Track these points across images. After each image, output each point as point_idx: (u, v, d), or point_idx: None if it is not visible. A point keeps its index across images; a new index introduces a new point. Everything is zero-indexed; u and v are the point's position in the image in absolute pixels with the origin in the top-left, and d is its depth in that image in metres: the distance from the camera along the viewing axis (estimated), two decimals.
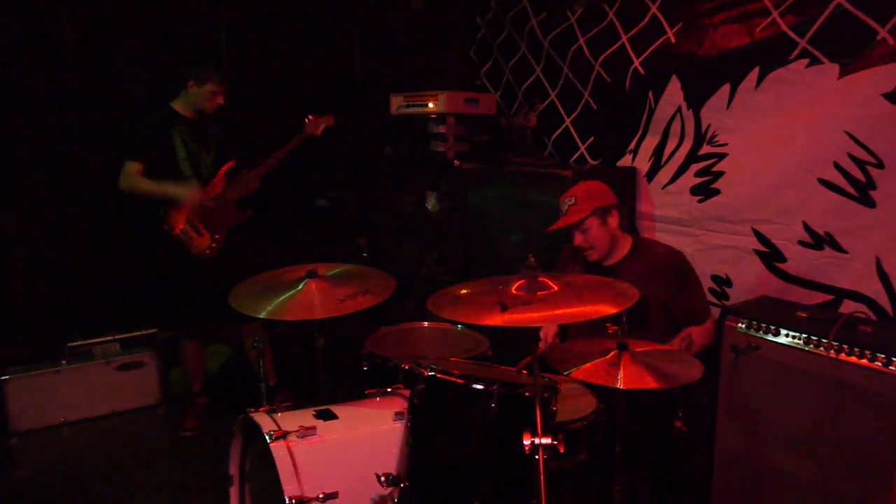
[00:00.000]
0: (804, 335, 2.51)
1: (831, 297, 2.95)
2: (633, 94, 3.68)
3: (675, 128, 3.50)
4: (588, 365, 2.10)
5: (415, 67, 5.08)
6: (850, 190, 2.83)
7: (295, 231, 4.70)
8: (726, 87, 3.23)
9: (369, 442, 2.24)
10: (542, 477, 1.67)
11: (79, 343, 4.17)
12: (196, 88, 3.74)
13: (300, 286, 2.61)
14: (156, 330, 4.36)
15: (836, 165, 2.86)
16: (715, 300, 3.35)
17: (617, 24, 3.72)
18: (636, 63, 3.63)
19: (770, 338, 2.61)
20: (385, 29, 5.23)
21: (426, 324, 3.16)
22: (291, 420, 2.21)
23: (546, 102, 4.23)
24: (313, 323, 2.71)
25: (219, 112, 3.86)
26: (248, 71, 4.77)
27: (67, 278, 4.37)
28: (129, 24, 4.40)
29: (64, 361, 4.08)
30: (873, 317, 2.78)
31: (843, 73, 2.82)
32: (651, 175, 3.65)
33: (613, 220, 2.83)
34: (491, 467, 1.89)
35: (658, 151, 3.61)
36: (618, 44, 3.72)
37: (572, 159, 4.11)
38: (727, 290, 3.34)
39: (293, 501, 1.99)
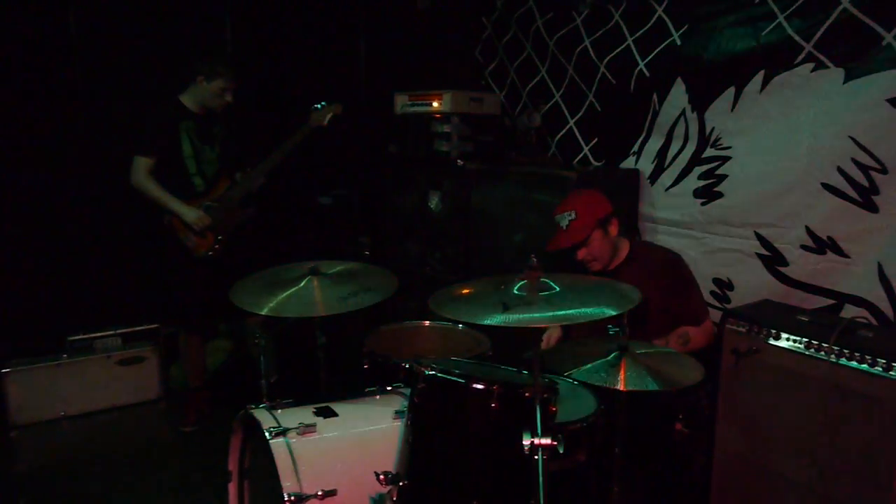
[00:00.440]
0: (805, 339, 2.50)
1: (833, 301, 2.95)
2: (637, 95, 3.67)
3: (680, 130, 3.50)
4: (588, 366, 2.10)
5: (419, 66, 5.08)
6: (854, 195, 2.83)
7: (298, 228, 4.70)
8: (731, 91, 3.23)
9: (369, 440, 2.25)
10: (541, 477, 1.67)
11: (79, 337, 4.19)
12: (206, 84, 3.72)
13: (302, 283, 2.62)
14: (157, 325, 4.37)
15: (840, 170, 2.85)
16: (716, 303, 3.35)
17: (622, 25, 3.72)
18: (641, 65, 3.63)
19: (771, 341, 2.60)
20: (390, 28, 5.23)
21: (427, 323, 3.17)
22: (291, 417, 2.22)
23: (550, 103, 4.22)
24: (315, 320, 2.72)
25: (225, 109, 3.85)
26: (252, 67, 4.79)
27: (69, 272, 4.38)
28: (134, 16, 4.41)
29: (65, 355, 4.10)
30: (874, 322, 2.77)
31: (848, 78, 2.81)
32: (654, 177, 3.65)
33: (614, 229, 2.84)
34: (490, 467, 1.90)
35: (662, 154, 3.60)
36: (623, 45, 3.72)
37: (576, 160, 4.10)
38: (728, 293, 3.33)
39: (292, 498, 2.00)
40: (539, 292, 1.87)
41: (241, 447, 2.46)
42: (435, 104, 4.17)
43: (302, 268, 2.70)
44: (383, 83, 4.97)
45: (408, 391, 2.27)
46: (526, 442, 1.70)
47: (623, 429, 2.19)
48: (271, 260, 2.98)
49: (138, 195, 3.72)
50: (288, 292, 2.58)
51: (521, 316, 1.76)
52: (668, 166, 3.57)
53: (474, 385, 1.90)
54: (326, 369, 2.91)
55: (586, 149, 4.05)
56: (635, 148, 3.74)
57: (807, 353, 2.49)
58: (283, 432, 2.12)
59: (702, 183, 3.41)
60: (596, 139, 4.00)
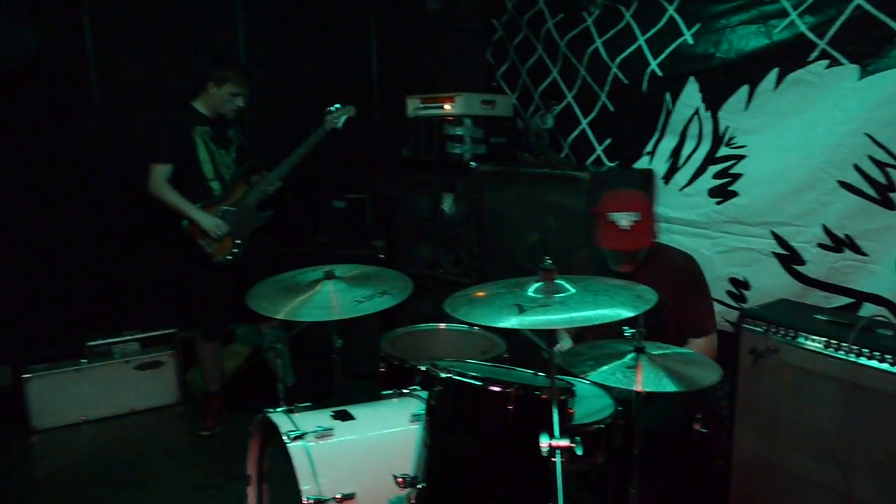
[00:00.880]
0: (823, 339, 2.48)
1: (851, 300, 2.93)
2: (650, 95, 3.66)
3: (693, 129, 3.48)
4: (606, 367, 2.09)
5: (431, 69, 5.09)
6: (871, 192, 2.81)
7: (312, 233, 4.72)
8: (745, 89, 3.21)
9: (386, 443, 2.25)
10: (559, 479, 1.67)
11: (99, 342, 4.22)
12: (215, 89, 3.75)
13: (318, 287, 2.63)
14: (175, 330, 4.40)
15: (857, 167, 2.83)
16: (732, 303, 3.33)
17: (634, 25, 3.71)
18: (653, 65, 3.62)
19: (788, 341, 2.59)
20: (401, 31, 5.25)
21: (443, 325, 3.17)
22: (309, 420, 2.22)
23: (563, 104, 4.21)
24: (331, 324, 2.73)
25: (237, 114, 3.88)
26: (265, 72, 4.82)
27: (88, 278, 4.42)
28: (148, 22, 4.45)
29: (84, 360, 4.14)
30: (894, 321, 2.75)
31: (863, 75, 2.79)
32: (668, 177, 3.64)
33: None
34: (508, 469, 1.90)
35: (675, 153, 3.59)
36: (635, 45, 3.71)
37: (589, 161, 4.10)
38: (745, 292, 3.32)
39: (311, 501, 2.00)
40: (554, 294, 1.87)
41: (260, 451, 2.48)
42: (447, 107, 4.18)
43: (317, 272, 2.71)
44: (395, 86, 4.99)
45: (424, 394, 2.29)
46: (543, 444, 1.70)
47: (641, 430, 2.18)
48: (287, 264, 3.00)
49: (156, 202, 3.75)
50: (304, 296, 2.59)
51: (536, 318, 1.77)
52: (682, 166, 3.56)
53: (491, 387, 1.90)
54: (343, 373, 2.92)
55: (599, 149, 4.04)
56: (649, 148, 3.73)
57: (825, 352, 2.47)
58: (301, 436, 2.13)
59: (716, 182, 3.39)
60: (609, 140, 3.99)
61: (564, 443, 1.70)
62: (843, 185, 2.88)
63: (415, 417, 2.27)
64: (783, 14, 3.02)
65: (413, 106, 4.39)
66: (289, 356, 4.20)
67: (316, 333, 4.09)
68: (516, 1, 4.46)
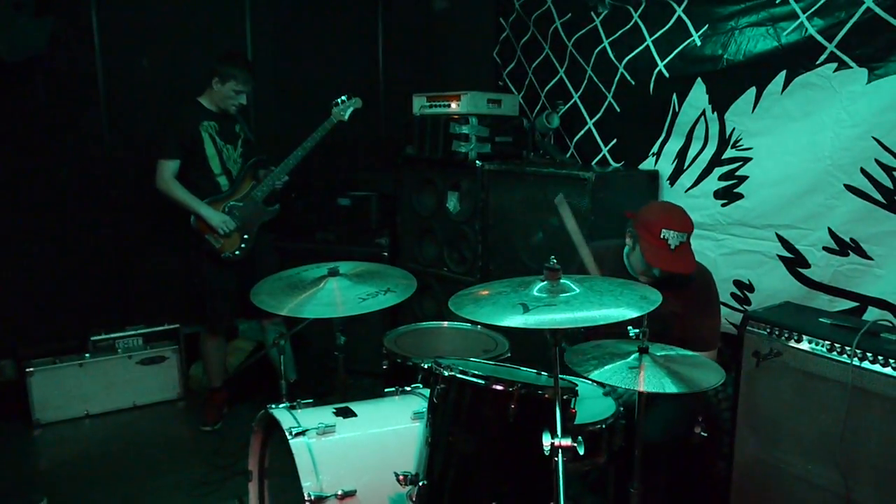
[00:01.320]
0: (827, 342, 2.48)
1: (855, 304, 2.92)
2: (656, 96, 3.66)
3: (700, 131, 3.48)
4: (608, 367, 2.09)
5: (437, 67, 5.09)
6: (877, 196, 2.80)
7: (317, 230, 4.73)
8: (752, 91, 3.21)
9: (388, 440, 2.25)
10: (560, 479, 1.67)
11: (102, 337, 4.23)
12: (219, 86, 3.76)
13: (322, 284, 2.62)
14: (178, 325, 4.41)
15: (863, 171, 2.82)
16: (737, 305, 3.33)
17: (642, 26, 3.71)
18: (661, 65, 3.61)
19: (792, 344, 2.58)
20: (408, 29, 5.24)
21: (446, 324, 3.17)
22: (311, 417, 2.22)
23: (569, 104, 4.22)
24: (334, 321, 2.73)
25: (239, 111, 3.88)
26: (272, 68, 4.82)
27: (91, 273, 4.43)
28: (155, 17, 4.45)
29: (87, 355, 4.14)
30: None
31: (871, 78, 2.79)
32: (674, 178, 3.63)
33: None
34: (509, 468, 1.90)
35: (681, 155, 3.58)
36: (642, 46, 3.70)
37: (595, 161, 4.09)
38: (749, 295, 3.31)
39: (312, 498, 2.01)
40: (559, 294, 1.87)
41: (262, 447, 2.48)
42: (453, 105, 4.18)
43: (321, 269, 2.71)
44: (401, 84, 4.98)
45: (427, 392, 2.28)
46: (546, 443, 1.70)
47: (642, 431, 2.18)
48: (291, 261, 3.00)
49: (163, 198, 3.75)
50: (307, 293, 2.59)
51: (541, 317, 1.76)
52: (688, 167, 3.56)
53: (494, 386, 1.90)
54: (345, 370, 2.92)
55: (605, 150, 4.03)
56: (654, 149, 3.72)
57: (829, 356, 2.47)
58: (303, 432, 2.13)
59: (722, 184, 3.39)
60: (615, 140, 3.99)
61: (567, 442, 1.69)
62: (850, 188, 2.87)
63: (417, 415, 2.27)
64: (792, 16, 3.01)
65: (419, 104, 4.39)
66: (291, 352, 4.21)
67: (319, 330, 4.08)
68: (524, 0, 4.46)
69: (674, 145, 3.62)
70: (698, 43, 3.43)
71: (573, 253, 2.80)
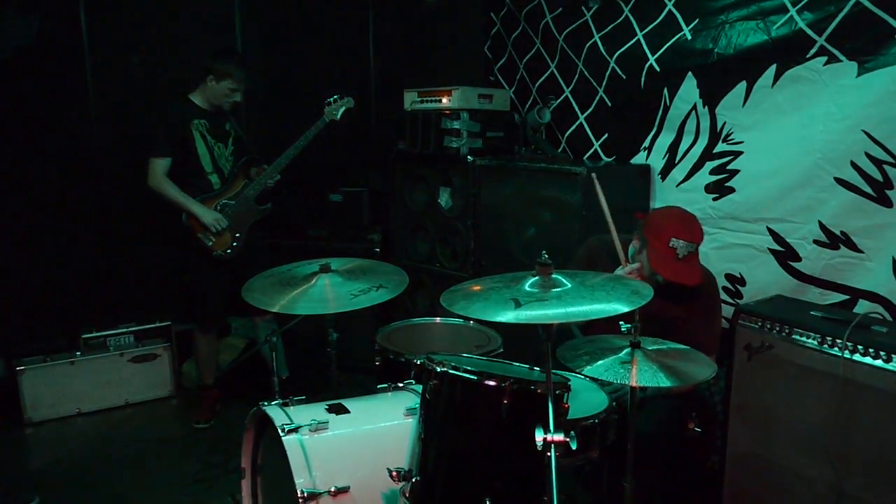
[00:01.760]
0: (818, 335, 2.48)
1: (846, 296, 2.93)
2: (648, 90, 3.66)
3: (691, 125, 3.48)
4: (601, 362, 2.09)
5: (428, 63, 5.08)
6: (867, 189, 2.81)
7: (308, 226, 4.71)
8: (742, 85, 3.21)
9: (381, 437, 2.25)
10: (553, 473, 1.67)
11: (93, 335, 4.21)
12: (215, 83, 3.74)
13: (313, 281, 2.62)
14: (170, 322, 4.40)
15: (853, 164, 2.83)
16: (728, 299, 3.34)
17: (632, 20, 3.70)
18: (651, 60, 3.61)
19: (783, 337, 2.59)
20: (399, 24, 5.23)
21: (438, 320, 3.17)
22: (304, 414, 2.22)
23: (560, 99, 4.21)
24: (326, 317, 2.72)
25: (235, 107, 3.87)
26: (263, 64, 4.80)
27: (83, 271, 4.41)
28: (144, 14, 4.43)
29: (78, 353, 4.13)
30: (889, 317, 2.75)
31: (861, 72, 2.79)
32: (665, 173, 3.63)
33: None
34: (502, 463, 1.90)
35: (673, 149, 3.59)
36: (633, 40, 3.70)
37: (586, 156, 4.09)
38: (741, 288, 3.32)
39: (305, 494, 2.00)
40: (551, 289, 1.87)
41: (254, 444, 2.47)
42: (444, 101, 4.18)
43: (313, 265, 2.71)
44: (392, 80, 4.97)
45: (419, 388, 2.28)
46: (538, 438, 1.70)
47: (635, 425, 2.18)
48: (283, 258, 2.99)
49: (155, 196, 3.73)
50: (299, 290, 2.58)
51: (533, 313, 1.76)
52: (680, 161, 3.56)
53: (486, 381, 1.90)
54: (338, 366, 2.91)
55: (596, 144, 4.03)
56: (646, 143, 3.73)
57: (820, 348, 2.47)
58: (295, 429, 2.13)
59: (713, 178, 3.39)
60: (606, 135, 3.99)
61: (559, 437, 1.69)
62: (840, 181, 2.88)
63: (409, 411, 2.27)
64: (782, 10, 3.01)
65: (410, 99, 4.38)
66: (283, 349, 4.20)
67: (311, 327, 4.07)
68: None
69: (665, 139, 3.62)
70: (689, 37, 3.43)
71: (603, 232, 2.77)
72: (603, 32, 3.88)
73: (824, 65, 2.90)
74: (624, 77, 3.79)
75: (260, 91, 4.69)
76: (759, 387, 2.69)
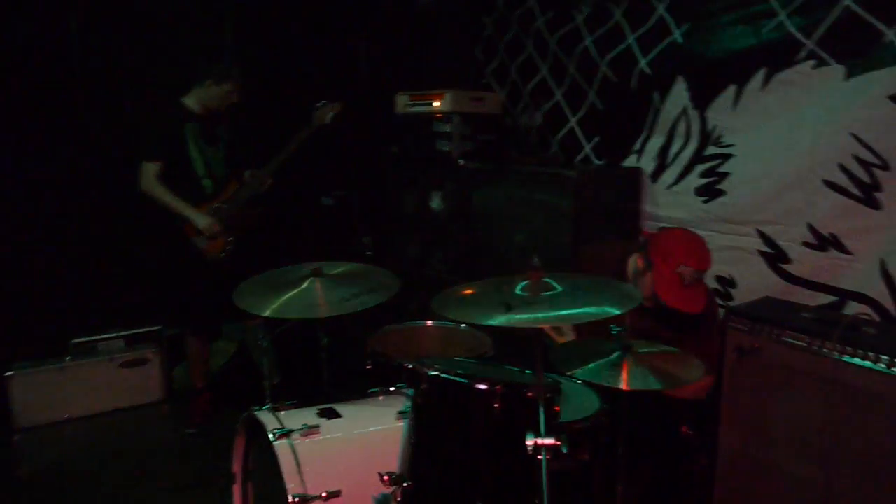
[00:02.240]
0: (808, 336, 2.50)
1: (835, 298, 2.95)
2: (638, 94, 3.67)
3: (681, 128, 3.49)
4: (592, 365, 2.10)
5: (420, 66, 5.08)
6: (856, 192, 2.83)
7: (300, 230, 4.70)
8: (733, 88, 3.23)
9: (372, 441, 2.25)
10: (544, 477, 1.67)
11: (83, 340, 4.18)
12: (215, 87, 3.73)
13: (304, 285, 2.61)
14: (160, 327, 4.37)
15: (842, 167, 2.85)
16: (719, 301, 3.34)
17: (624, 24, 3.72)
18: (642, 63, 3.62)
19: (773, 339, 2.60)
20: (391, 27, 5.23)
21: (430, 323, 3.16)
22: (295, 418, 2.22)
23: (552, 102, 4.22)
24: (317, 321, 2.72)
25: (228, 110, 3.86)
26: (254, 68, 4.78)
27: (72, 275, 4.38)
28: (135, 18, 4.41)
29: (68, 358, 4.10)
30: (877, 318, 2.77)
31: (849, 75, 2.81)
32: (656, 175, 3.65)
33: None
34: (494, 467, 1.90)
35: (663, 152, 3.60)
36: (624, 44, 3.72)
37: (577, 159, 4.10)
38: (731, 290, 3.33)
39: (296, 499, 2.00)
40: (542, 292, 1.87)
41: (245, 449, 2.47)
42: (436, 104, 4.17)
43: (304, 269, 2.70)
44: (384, 83, 4.97)
45: (411, 392, 2.27)
46: (529, 442, 1.70)
47: (626, 428, 2.18)
48: (275, 262, 2.98)
49: (148, 201, 3.72)
50: (290, 294, 2.57)
51: (523, 316, 1.76)
52: (670, 164, 3.57)
53: (477, 385, 1.90)
54: (329, 370, 2.91)
55: (588, 147, 4.04)
56: (637, 146, 3.74)
57: (810, 350, 2.49)
58: (286, 434, 2.12)
59: (704, 181, 3.41)
60: (597, 138, 4.00)
61: (550, 441, 1.69)
62: (829, 184, 2.90)
63: (401, 415, 2.26)
64: (772, 14, 3.03)
65: (402, 103, 4.39)
66: (275, 354, 4.18)
67: (303, 331, 4.07)
68: None
69: (656, 142, 3.64)
70: (680, 41, 3.44)
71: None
72: (594, 36, 3.89)
73: (813, 68, 2.92)
74: (615, 80, 3.80)
75: (251, 94, 4.68)
76: (749, 388, 2.70)
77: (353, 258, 3.79)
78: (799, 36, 2.95)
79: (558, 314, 1.77)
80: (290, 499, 1.99)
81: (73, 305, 4.37)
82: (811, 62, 2.93)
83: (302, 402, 2.41)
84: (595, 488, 2.67)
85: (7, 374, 3.92)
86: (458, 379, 1.92)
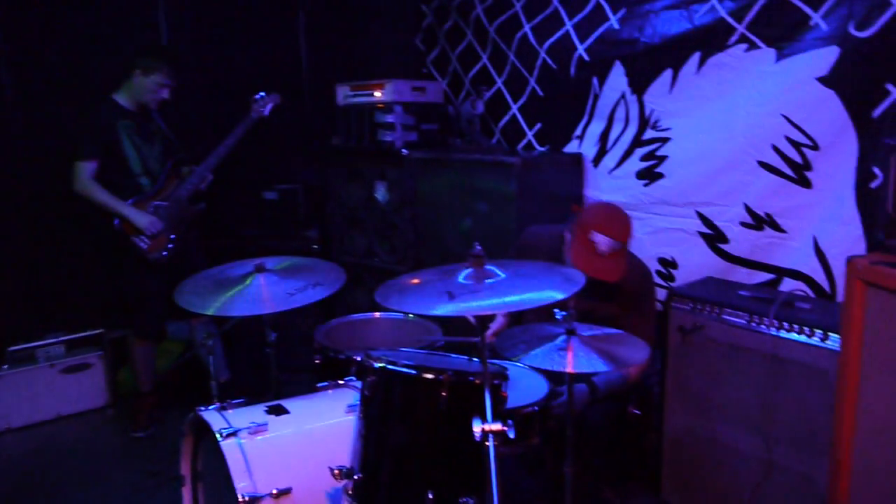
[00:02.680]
0: (746, 314, 2.58)
1: (772, 276, 3.04)
2: (578, 80, 3.71)
3: (620, 113, 3.54)
4: (538, 350, 2.11)
5: (361, 56, 5.04)
6: (788, 171, 2.91)
7: (243, 225, 4.63)
8: (668, 73, 3.29)
9: (322, 435, 2.23)
10: (492, 463, 1.68)
11: (20, 347, 4.04)
12: (142, 78, 3.62)
13: (248, 281, 2.57)
14: (102, 330, 4.26)
15: (775, 148, 2.93)
16: (662, 282, 3.42)
17: (561, 10, 3.74)
18: (581, 49, 3.66)
19: (714, 318, 2.67)
20: (330, 17, 5.16)
21: (377, 315, 3.15)
22: (242, 417, 2.18)
23: (493, 90, 4.23)
24: (264, 317, 2.68)
25: (160, 106, 3.77)
26: (189, 62, 4.67)
27: (6, 279, 4.23)
28: (63, 10, 4.26)
29: (5, 366, 3.96)
30: (811, 294, 2.87)
31: (779, 58, 2.89)
32: (597, 160, 3.69)
33: None
34: (443, 455, 1.90)
35: (604, 137, 3.65)
36: (562, 31, 3.75)
37: (520, 146, 4.13)
38: (673, 271, 3.40)
39: (246, 499, 1.97)
40: (484, 279, 1.88)
41: (193, 450, 2.42)
42: (377, 94, 4.15)
43: (248, 265, 2.66)
44: (325, 74, 4.91)
45: (360, 384, 2.27)
46: (476, 429, 1.71)
47: (573, 410, 2.21)
48: (217, 259, 2.92)
49: (84, 201, 3.60)
50: (234, 290, 2.53)
51: (466, 304, 1.77)
52: (611, 149, 3.62)
53: (424, 375, 1.90)
54: (278, 366, 2.87)
55: (530, 134, 4.07)
56: (578, 132, 3.78)
57: (749, 327, 2.56)
58: (234, 433, 2.09)
59: (643, 164, 3.47)
60: (539, 124, 4.03)
61: (497, 426, 1.71)
62: (763, 164, 2.98)
63: (350, 408, 2.25)
64: None
65: (343, 93, 4.35)
66: (222, 352, 4.12)
67: (250, 327, 4.00)
68: None
69: (596, 128, 3.68)
70: (616, 27, 3.49)
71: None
72: (533, 23, 3.92)
73: (745, 51, 3.00)
74: (555, 67, 3.83)
75: (188, 89, 4.56)
76: (693, 366, 2.77)
77: (298, 252, 3.77)
78: (730, 20, 3.01)
79: (502, 301, 1.77)
80: (241, 498, 1.97)
81: (8, 311, 4.22)
82: (743, 45, 3.00)
83: (250, 400, 2.38)
84: (548, 470, 2.71)
85: None
86: (404, 370, 1.92)
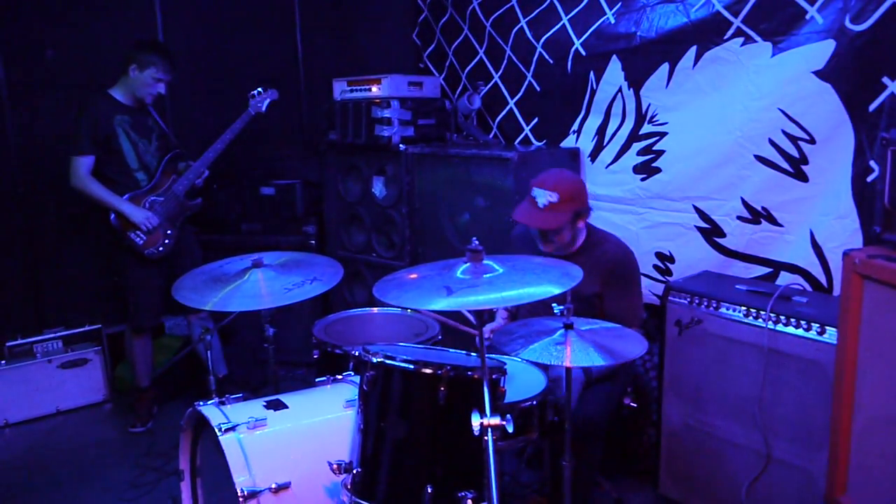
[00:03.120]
0: (743, 308, 2.59)
1: (769, 270, 3.05)
2: (575, 74, 3.71)
3: (617, 108, 3.54)
4: (536, 345, 2.12)
5: (357, 51, 5.03)
6: (785, 165, 2.92)
7: (241, 221, 4.62)
8: (665, 67, 3.28)
9: (320, 430, 2.24)
10: (491, 457, 1.69)
11: (19, 342, 4.05)
12: (138, 72, 3.61)
13: (246, 276, 2.57)
14: (100, 325, 4.26)
15: (771, 142, 2.94)
16: (659, 277, 3.43)
17: (558, 5, 3.74)
18: (577, 44, 3.66)
19: (711, 312, 2.68)
20: (326, 12, 5.16)
21: (376, 310, 3.16)
22: (241, 412, 2.19)
23: (490, 85, 4.23)
24: (262, 312, 2.69)
25: (156, 101, 3.76)
26: (186, 56, 4.66)
27: (5, 275, 4.23)
28: (59, 6, 4.25)
29: (3, 362, 3.96)
30: (808, 288, 2.87)
31: (775, 52, 2.89)
32: (594, 155, 3.70)
33: (582, 223, 2.73)
34: (442, 450, 1.91)
35: (601, 131, 3.65)
36: (559, 25, 3.74)
37: (517, 141, 4.13)
38: (670, 266, 3.41)
39: (245, 493, 1.98)
40: (483, 275, 1.88)
41: (192, 445, 2.43)
42: (374, 89, 4.15)
43: (245, 260, 2.66)
44: (321, 69, 4.91)
45: (358, 379, 2.28)
46: (475, 423, 1.72)
47: (570, 404, 2.22)
48: (215, 254, 2.93)
49: (81, 196, 3.60)
50: (232, 286, 2.53)
51: (464, 299, 1.77)
52: (608, 144, 3.62)
53: (423, 370, 1.91)
54: (276, 362, 2.88)
55: (527, 129, 4.07)
56: (575, 126, 3.78)
57: (746, 321, 2.57)
58: (233, 428, 2.10)
59: (640, 159, 3.47)
60: (536, 119, 4.03)
61: (496, 421, 1.71)
62: (759, 158, 2.99)
63: (349, 403, 2.26)
64: None
65: (340, 89, 4.34)
66: (220, 347, 4.12)
67: (248, 323, 4.02)
68: None
69: (593, 122, 3.68)
70: (613, 21, 3.48)
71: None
72: (529, 18, 3.91)
73: (741, 46, 2.99)
74: (551, 62, 3.83)
75: (185, 85, 4.56)
76: (690, 360, 2.78)
77: (296, 247, 3.78)
78: (726, 14, 3.01)
79: (500, 296, 1.78)
80: (239, 492, 1.98)
81: (6, 307, 4.23)
82: (739, 39, 2.99)
83: (249, 395, 2.39)
84: (546, 464, 2.72)
85: None
86: (402, 365, 1.93)
